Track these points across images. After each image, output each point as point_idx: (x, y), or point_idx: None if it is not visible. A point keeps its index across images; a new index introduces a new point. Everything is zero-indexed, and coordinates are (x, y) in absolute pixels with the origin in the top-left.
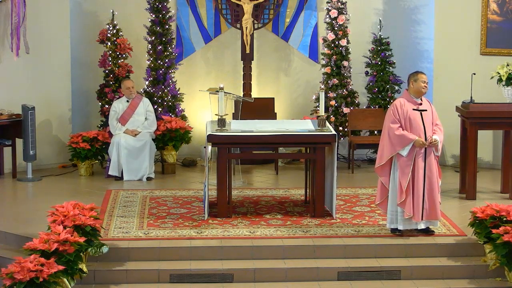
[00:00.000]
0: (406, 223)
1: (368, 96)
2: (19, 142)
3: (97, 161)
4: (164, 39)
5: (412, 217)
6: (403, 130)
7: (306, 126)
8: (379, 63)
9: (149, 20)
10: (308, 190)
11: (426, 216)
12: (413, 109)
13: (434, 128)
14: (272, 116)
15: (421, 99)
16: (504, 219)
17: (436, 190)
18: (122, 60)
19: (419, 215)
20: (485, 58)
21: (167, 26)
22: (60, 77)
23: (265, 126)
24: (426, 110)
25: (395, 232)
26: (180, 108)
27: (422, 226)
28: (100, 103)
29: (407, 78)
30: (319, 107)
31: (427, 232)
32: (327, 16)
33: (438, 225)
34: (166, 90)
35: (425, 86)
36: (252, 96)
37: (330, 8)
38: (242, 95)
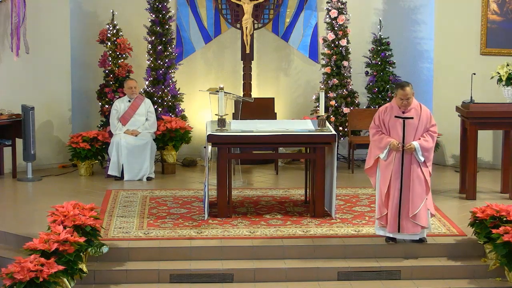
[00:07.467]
0: (381, 231)
1: (368, 96)
2: (19, 142)
3: (97, 161)
4: (164, 39)
5: (386, 226)
6: (381, 134)
7: (306, 126)
8: (379, 63)
9: (149, 20)
10: (308, 190)
11: (401, 229)
12: (395, 116)
13: (424, 134)
14: (272, 116)
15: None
16: (504, 219)
17: (411, 201)
18: (122, 60)
19: (394, 226)
20: (485, 58)
21: (167, 26)
22: (60, 77)
23: (265, 126)
24: (411, 118)
25: (389, 241)
26: (180, 108)
27: (401, 237)
28: (100, 103)
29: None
30: (319, 107)
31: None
32: (327, 16)
33: (423, 235)
34: (166, 90)
35: (404, 103)
36: (252, 96)
37: (330, 8)
38: (242, 95)
